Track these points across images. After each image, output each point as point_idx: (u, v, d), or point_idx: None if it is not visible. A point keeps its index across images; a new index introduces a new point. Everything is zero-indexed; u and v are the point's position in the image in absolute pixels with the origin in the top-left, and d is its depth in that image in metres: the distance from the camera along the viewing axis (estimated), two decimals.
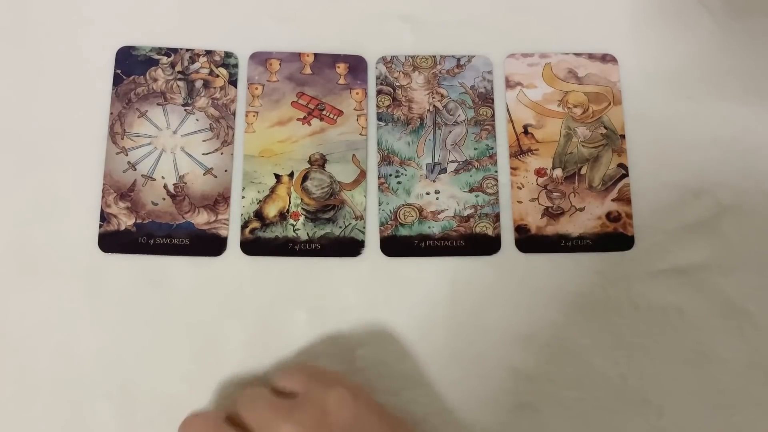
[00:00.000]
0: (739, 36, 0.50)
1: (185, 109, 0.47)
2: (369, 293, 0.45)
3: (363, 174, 0.47)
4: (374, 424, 0.38)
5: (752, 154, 0.48)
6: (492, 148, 0.48)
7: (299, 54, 0.49)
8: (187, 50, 0.48)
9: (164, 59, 0.48)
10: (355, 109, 0.48)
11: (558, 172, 0.48)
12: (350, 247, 0.46)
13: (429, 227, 0.46)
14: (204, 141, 0.47)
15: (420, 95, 0.49)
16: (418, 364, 0.44)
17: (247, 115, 0.48)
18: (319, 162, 0.47)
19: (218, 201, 0.46)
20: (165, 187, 0.46)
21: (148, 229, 0.45)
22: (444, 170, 0.47)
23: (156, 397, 0.43)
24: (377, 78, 0.49)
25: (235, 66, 0.48)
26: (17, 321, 0.44)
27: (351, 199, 0.47)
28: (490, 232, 0.46)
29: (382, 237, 0.46)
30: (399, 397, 0.44)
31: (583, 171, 0.48)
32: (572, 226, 0.47)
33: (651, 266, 0.46)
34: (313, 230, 0.46)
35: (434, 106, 0.48)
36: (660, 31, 0.50)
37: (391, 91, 0.49)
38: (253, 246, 0.45)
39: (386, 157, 0.47)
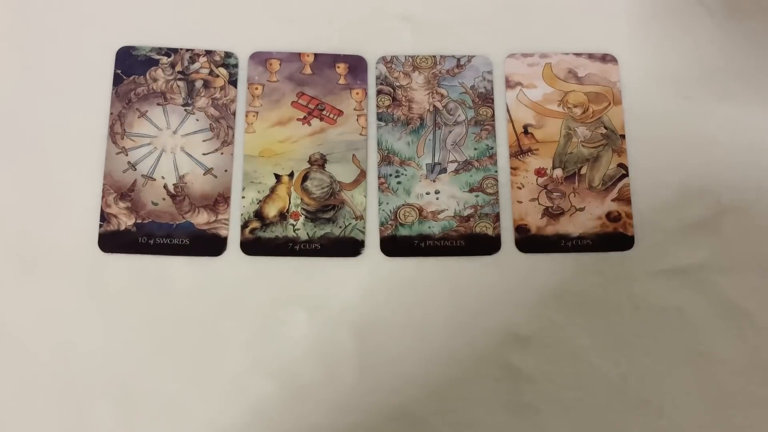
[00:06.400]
0: (739, 36, 0.50)
1: (185, 109, 0.47)
2: (369, 293, 0.45)
3: (363, 174, 0.47)
4: None
5: (752, 153, 0.48)
6: (492, 148, 0.48)
7: (299, 54, 0.49)
8: (187, 50, 0.48)
9: (164, 59, 0.48)
10: (355, 109, 0.48)
11: (558, 172, 0.48)
12: (350, 247, 0.46)
13: (429, 227, 0.46)
14: (204, 141, 0.47)
15: (420, 95, 0.49)
16: (418, 364, 0.44)
17: (247, 115, 0.48)
18: (319, 162, 0.47)
19: (218, 201, 0.46)
20: (165, 187, 0.46)
21: (148, 229, 0.45)
22: (444, 170, 0.47)
23: (156, 397, 0.43)
24: (377, 78, 0.49)
25: (235, 66, 0.48)
26: (17, 321, 0.44)
27: (351, 199, 0.47)
28: (490, 232, 0.46)
29: (382, 237, 0.46)
30: (399, 397, 0.44)
31: (583, 171, 0.48)
32: (572, 226, 0.47)
33: (651, 266, 0.46)
34: (313, 230, 0.46)
35: (434, 106, 0.48)
36: (660, 31, 0.50)
37: (391, 91, 0.49)
38: (253, 246, 0.45)
39: (386, 157, 0.47)
